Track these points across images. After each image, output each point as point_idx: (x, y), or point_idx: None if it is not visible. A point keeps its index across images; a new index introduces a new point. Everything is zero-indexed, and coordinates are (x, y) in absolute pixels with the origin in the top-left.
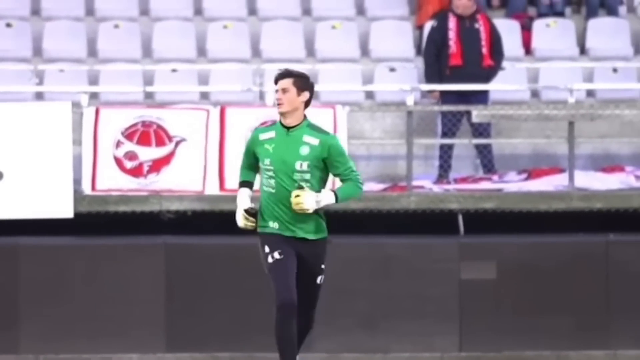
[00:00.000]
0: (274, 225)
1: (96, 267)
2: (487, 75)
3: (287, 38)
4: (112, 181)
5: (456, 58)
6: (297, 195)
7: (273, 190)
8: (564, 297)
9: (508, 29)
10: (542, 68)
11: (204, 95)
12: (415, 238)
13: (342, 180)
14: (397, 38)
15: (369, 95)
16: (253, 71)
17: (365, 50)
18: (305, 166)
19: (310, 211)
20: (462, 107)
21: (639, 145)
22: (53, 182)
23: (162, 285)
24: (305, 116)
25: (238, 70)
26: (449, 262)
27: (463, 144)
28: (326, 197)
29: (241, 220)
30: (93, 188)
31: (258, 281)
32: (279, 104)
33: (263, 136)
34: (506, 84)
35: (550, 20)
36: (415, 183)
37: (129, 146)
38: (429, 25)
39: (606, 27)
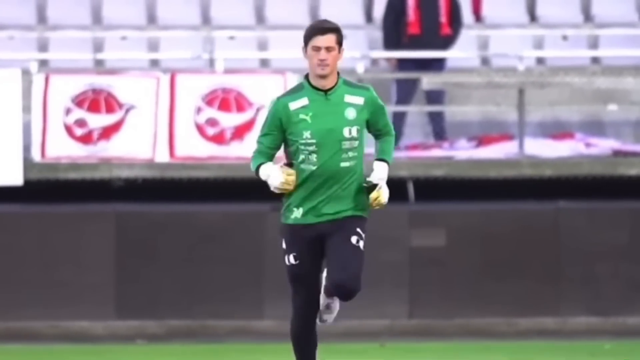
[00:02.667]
0: (298, 212)
1: (46, 234)
2: (445, 44)
3: (237, 5)
4: (62, 148)
5: (414, 27)
6: (377, 197)
7: (314, 168)
8: (513, 264)
9: None
10: (492, 35)
11: (154, 63)
12: None
13: (378, 135)
14: (346, 4)
15: None
16: (203, 38)
17: (315, 17)
18: (354, 132)
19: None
20: (413, 75)
21: (588, 112)
22: (2, 149)
23: (112, 253)
24: (338, 73)
25: (188, 37)
26: (399, 229)
27: (416, 112)
28: (385, 173)
29: (280, 176)
30: (43, 155)
31: (209, 248)
32: (323, 66)
33: (294, 105)
34: (456, 51)
35: None
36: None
37: (79, 113)
38: None
39: None
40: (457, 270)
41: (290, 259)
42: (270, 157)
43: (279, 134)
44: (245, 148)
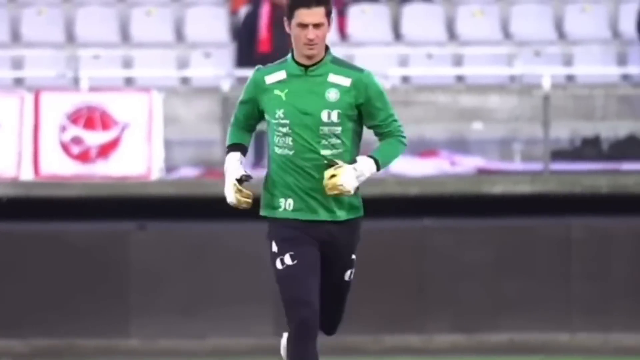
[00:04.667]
0: (287, 204)
1: None
2: None
3: (102, 23)
4: None
5: (265, 45)
6: (333, 175)
7: (290, 152)
8: (379, 281)
9: None
10: (357, 54)
11: (19, 81)
12: (230, 223)
13: (379, 134)
14: (212, 23)
15: (185, 80)
16: (67, 56)
17: (180, 36)
18: (335, 116)
19: (352, 192)
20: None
21: (453, 130)
22: None
23: None
24: (327, 47)
25: (52, 56)
26: (265, 247)
27: None
28: (367, 168)
29: (231, 194)
30: None
31: (74, 267)
32: (311, 46)
33: (270, 79)
34: None
35: (365, 5)
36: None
37: None
38: (243, 11)
39: (421, 13)
40: None
41: (286, 260)
42: (247, 128)
43: (253, 106)
44: (111, 166)
